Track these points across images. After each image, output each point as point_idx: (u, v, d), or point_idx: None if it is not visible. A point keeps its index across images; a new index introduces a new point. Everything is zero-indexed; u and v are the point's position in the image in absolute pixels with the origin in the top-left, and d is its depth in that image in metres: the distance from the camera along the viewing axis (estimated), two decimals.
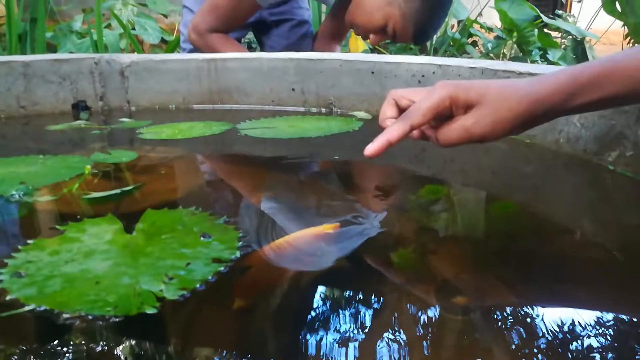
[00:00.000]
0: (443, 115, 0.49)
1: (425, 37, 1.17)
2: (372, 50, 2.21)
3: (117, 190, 0.64)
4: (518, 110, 0.47)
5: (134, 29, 2.24)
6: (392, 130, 0.48)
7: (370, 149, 0.47)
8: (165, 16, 2.83)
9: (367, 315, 0.40)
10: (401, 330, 0.38)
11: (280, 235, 0.52)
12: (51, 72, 1.08)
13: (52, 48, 2.13)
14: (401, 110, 0.53)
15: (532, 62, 2.19)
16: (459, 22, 2.59)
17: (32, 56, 1.14)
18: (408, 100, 0.52)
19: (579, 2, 3.05)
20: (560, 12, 2.81)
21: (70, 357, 0.35)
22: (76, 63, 1.10)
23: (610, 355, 0.35)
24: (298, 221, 0.58)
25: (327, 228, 0.53)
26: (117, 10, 2.22)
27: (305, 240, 0.51)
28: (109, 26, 2.28)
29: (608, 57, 0.49)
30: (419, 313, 0.40)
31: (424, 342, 0.37)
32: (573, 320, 0.39)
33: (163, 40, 2.41)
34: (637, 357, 0.36)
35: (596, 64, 0.49)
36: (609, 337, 0.37)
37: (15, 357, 0.35)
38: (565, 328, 0.38)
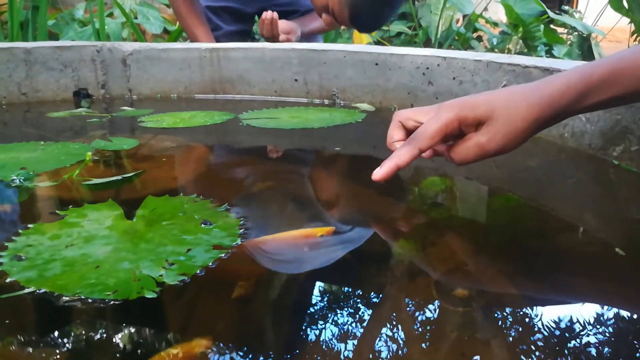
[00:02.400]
0: (452, 136, 0.49)
1: (363, 24, 1.12)
2: (376, 43, 2.20)
3: (118, 177, 0.64)
4: (530, 119, 0.46)
5: (136, 18, 2.23)
6: (401, 154, 0.48)
7: (379, 173, 0.48)
8: (168, 6, 2.82)
9: (367, 306, 0.40)
10: (401, 322, 0.38)
11: (279, 225, 0.52)
12: (53, 59, 1.08)
13: (53, 36, 2.13)
14: (408, 132, 0.52)
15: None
16: (464, 16, 2.58)
17: (34, 43, 1.13)
18: (414, 121, 0.51)
19: None
20: (566, 7, 2.79)
21: (70, 340, 0.35)
22: (78, 50, 1.09)
23: (612, 349, 0.35)
24: (296, 212, 0.58)
25: (320, 231, 0.51)
26: (119, 0, 2.21)
27: (291, 243, 0.50)
28: (111, 15, 2.27)
29: (617, 56, 0.48)
30: (420, 305, 0.40)
31: (424, 334, 0.36)
32: (574, 315, 0.39)
33: (165, 30, 2.40)
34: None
35: (606, 63, 0.48)
36: (610, 332, 0.37)
37: (15, 338, 0.35)
38: (567, 322, 0.38)
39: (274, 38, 1.32)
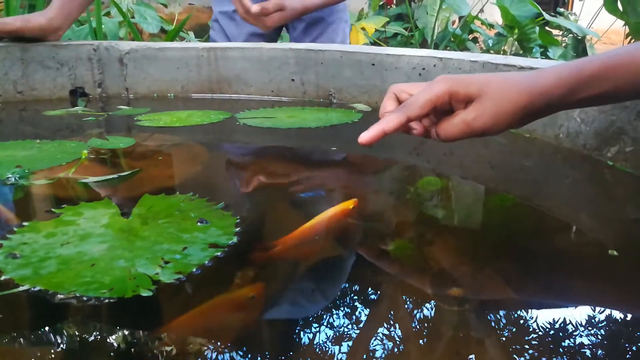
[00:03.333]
0: (442, 110, 0.49)
1: None
2: (373, 44, 2.20)
3: (114, 176, 0.64)
4: (519, 103, 0.47)
5: (133, 17, 2.22)
6: (389, 120, 0.48)
7: (365, 136, 0.47)
8: (165, 6, 2.81)
9: (362, 305, 0.40)
10: (396, 321, 0.38)
11: (277, 223, 0.52)
12: (49, 57, 1.07)
13: None
14: (401, 104, 0.52)
15: None
16: (460, 18, 2.59)
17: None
18: (408, 94, 0.52)
19: (580, 0, 3.04)
20: (561, 10, 2.80)
21: (65, 338, 0.35)
22: (75, 49, 1.09)
23: (606, 351, 0.35)
24: (292, 211, 0.58)
25: (349, 204, 0.54)
26: None
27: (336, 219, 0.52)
28: (108, 14, 2.26)
29: (610, 52, 0.49)
30: (415, 304, 0.40)
31: (419, 333, 0.37)
32: (569, 315, 0.39)
33: (162, 30, 2.40)
34: (635, 352, 0.36)
35: (599, 59, 0.48)
36: (605, 333, 0.37)
37: (10, 336, 0.35)
38: (561, 322, 0.38)
39: (265, 27, 1.15)
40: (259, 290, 0.41)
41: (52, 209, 0.52)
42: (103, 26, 1.93)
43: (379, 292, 0.42)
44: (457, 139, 0.49)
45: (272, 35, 1.36)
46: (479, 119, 0.47)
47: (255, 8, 1.08)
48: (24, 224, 0.49)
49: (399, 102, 0.53)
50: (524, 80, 0.48)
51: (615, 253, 0.48)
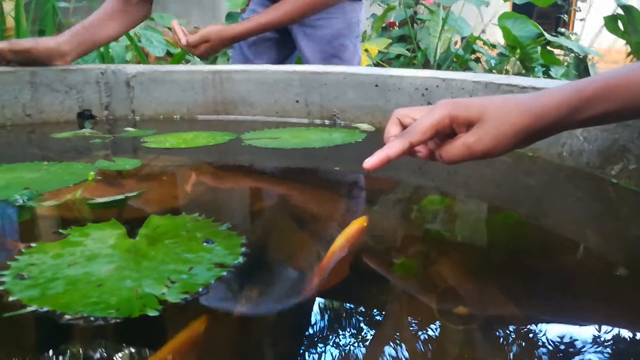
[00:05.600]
0: (444, 134, 0.49)
1: None
2: (376, 65, 2.23)
3: (121, 196, 0.64)
4: (520, 125, 0.47)
5: (139, 41, 2.27)
6: (392, 146, 0.48)
7: (370, 162, 0.48)
8: (171, 29, 2.86)
9: (368, 324, 0.40)
10: (402, 340, 0.38)
11: (282, 243, 0.52)
12: (58, 81, 1.09)
13: None
14: (405, 128, 0.53)
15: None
16: (462, 38, 2.62)
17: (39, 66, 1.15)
18: (411, 119, 0.52)
19: (581, 20, 3.07)
20: (563, 30, 2.83)
21: (72, 358, 0.35)
22: (82, 73, 1.11)
23: None
24: (298, 231, 0.58)
25: (362, 222, 0.55)
26: None
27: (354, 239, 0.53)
28: None
29: (612, 72, 0.49)
30: (420, 322, 0.40)
31: (425, 352, 0.36)
32: (574, 334, 0.39)
33: (168, 53, 2.44)
34: None
35: (600, 79, 0.49)
36: (609, 352, 0.37)
37: (17, 357, 0.35)
38: (567, 341, 0.38)
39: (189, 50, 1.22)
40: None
41: (60, 230, 0.53)
42: (110, 50, 1.96)
43: (384, 311, 0.42)
44: (460, 161, 0.49)
45: (282, 38, 1.36)
46: (480, 142, 0.47)
47: (183, 40, 1.20)
48: (32, 245, 0.50)
49: (403, 126, 0.53)
50: (525, 102, 0.48)
51: (622, 272, 0.47)
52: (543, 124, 0.48)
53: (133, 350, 0.36)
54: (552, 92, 0.49)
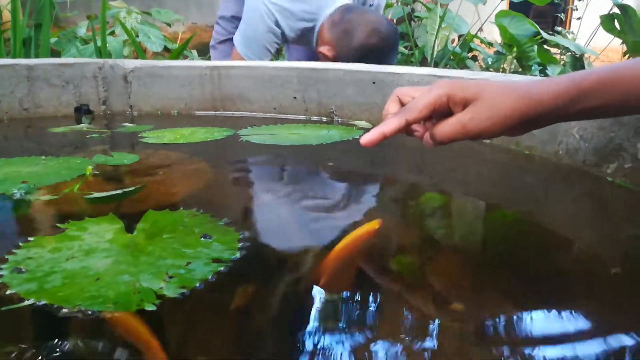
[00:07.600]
0: (441, 113, 0.49)
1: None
2: None
3: (119, 191, 0.64)
4: (515, 108, 0.47)
5: (137, 36, 2.26)
6: (389, 123, 0.48)
7: (366, 138, 0.48)
8: (169, 25, 2.85)
9: (364, 321, 0.40)
10: (398, 336, 0.38)
11: (279, 238, 0.52)
12: (55, 75, 1.09)
13: (56, 54, 2.14)
14: (403, 106, 0.53)
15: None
16: (459, 36, 2.62)
17: (36, 60, 1.15)
18: (411, 97, 0.53)
19: (578, 19, 3.08)
20: (559, 28, 2.84)
21: (69, 351, 0.35)
22: (80, 67, 1.11)
23: None
24: (295, 227, 0.58)
25: (374, 225, 0.54)
26: (122, 19, 2.24)
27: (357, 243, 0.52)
28: (112, 33, 2.30)
29: (611, 66, 0.50)
30: (416, 319, 0.40)
31: (420, 348, 0.37)
32: (569, 330, 0.39)
33: (166, 49, 2.43)
34: None
35: (599, 71, 0.49)
36: (607, 349, 0.37)
37: (15, 350, 0.35)
38: (562, 337, 0.38)
39: None
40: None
41: (57, 224, 0.53)
42: (108, 45, 1.95)
43: (380, 308, 0.42)
44: (452, 140, 0.49)
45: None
46: (474, 120, 0.47)
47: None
48: (30, 239, 0.50)
49: (402, 104, 0.53)
50: (523, 87, 0.48)
51: (618, 269, 0.48)
52: (539, 111, 0.48)
53: (130, 345, 0.36)
54: (551, 81, 0.49)
